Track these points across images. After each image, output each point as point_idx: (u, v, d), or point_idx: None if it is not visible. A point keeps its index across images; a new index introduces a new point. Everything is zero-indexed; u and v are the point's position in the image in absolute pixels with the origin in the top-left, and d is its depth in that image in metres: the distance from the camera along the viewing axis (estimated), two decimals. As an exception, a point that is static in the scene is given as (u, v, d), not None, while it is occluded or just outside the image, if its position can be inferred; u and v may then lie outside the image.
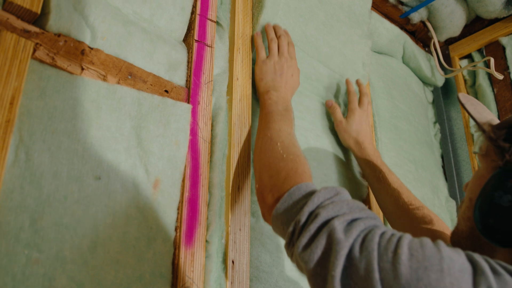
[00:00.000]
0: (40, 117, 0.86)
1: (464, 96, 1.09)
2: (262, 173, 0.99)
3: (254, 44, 1.31)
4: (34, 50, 0.87)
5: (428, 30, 2.05)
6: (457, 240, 0.94)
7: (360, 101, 1.48)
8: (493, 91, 1.94)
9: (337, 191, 0.86)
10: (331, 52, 1.53)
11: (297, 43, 1.43)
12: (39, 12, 0.88)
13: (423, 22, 2.05)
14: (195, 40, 1.16)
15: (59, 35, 0.91)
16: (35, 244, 0.80)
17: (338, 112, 1.46)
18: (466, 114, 1.98)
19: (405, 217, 1.27)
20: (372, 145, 1.42)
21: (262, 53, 1.29)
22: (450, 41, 2.14)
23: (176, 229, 0.98)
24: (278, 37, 1.31)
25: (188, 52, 1.15)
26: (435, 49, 2.05)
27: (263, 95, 1.22)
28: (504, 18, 1.96)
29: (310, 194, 0.86)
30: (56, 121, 0.87)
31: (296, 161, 0.97)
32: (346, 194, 0.87)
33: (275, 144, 1.02)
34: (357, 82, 1.55)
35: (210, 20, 1.22)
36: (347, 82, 1.52)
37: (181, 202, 1.00)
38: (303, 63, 1.44)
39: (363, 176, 1.46)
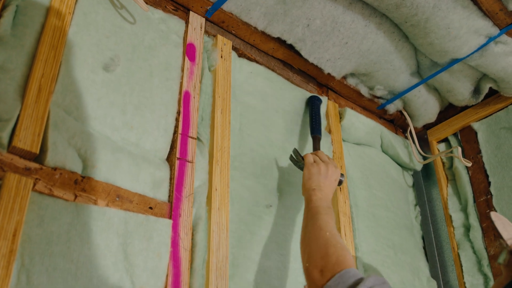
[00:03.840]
0: (39, 243, 1.01)
1: (495, 215, 1.33)
2: (313, 255, 1.17)
3: (303, 156, 1.53)
4: (34, 184, 1.04)
5: (405, 118, 2.20)
6: None
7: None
8: (468, 173, 2.08)
9: (384, 281, 1.03)
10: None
11: (265, 147, 1.63)
12: (38, 152, 1.06)
13: (400, 111, 2.21)
14: (177, 158, 1.33)
15: (55, 169, 1.08)
16: None
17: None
18: (445, 196, 2.11)
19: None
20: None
21: (310, 158, 1.49)
22: (428, 126, 2.29)
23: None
24: (317, 153, 1.54)
25: (171, 169, 1.31)
26: (412, 137, 2.20)
27: (309, 191, 1.39)
28: (474, 105, 2.11)
29: (360, 279, 1.04)
30: (53, 245, 1.03)
31: (344, 249, 1.15)
32: (390, 285, 1.04)
33: (325, 233, 1.21)
34: None
35: (191, 137, 1.39)
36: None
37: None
38: (276, 164, 1.64)
39: None
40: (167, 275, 1.17)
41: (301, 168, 1.53)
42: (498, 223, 1.25)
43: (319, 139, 1.70)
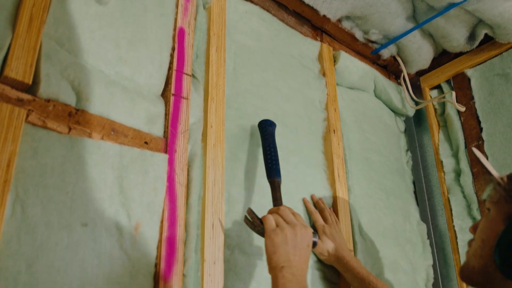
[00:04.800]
0: (33, 175, 0.99)
1: (477, 151, 1.31)
2: None
3: (262, 219, 1.23)
4: (27, 116, 1.01)
5: (399, 64, 2.19)
6: (468, 275, 1.12)
7: (323, 217, 1.53)
8: (460, 119, 2.08)
9: None
10: (292, 92, 1.70)
11: (259, 87, 1.59)
12: (30, 82, 1.03)
13: (393, 57, 2.20)
14: (172, 94, 1.30)
15: (48, 100, 1.05)
16: (31, 285, 0.93)
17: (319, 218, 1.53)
18: (437, 141, 2.11)
19: None
20: (352, 256, 1.46)
21: (271, 222, 1.20)
22: (421, 73, 2.28)
23: (156, 265, 1.11)
24: (278, 211, 1.24)
25: (166, 105, 1.29)
26: (405, 83, 2.19)
27: (275, 271, 1.12)
28: (468, 51, 2.09)
29: None
30: (47, 177, 1.01)
31: None
32: None
33: None
34: (312, 199, 1.60)
35: (186, 74, 1.36)
36: (304, 202, 1.57)
37: (160, 241, 1.14)
38: (270, 103, 1.59)
39: None
40: (163, 210, 1.17)
41: (261, 234, 1.22)
42: (482, 158, 1.26)
43: (279, 185, 1.36)
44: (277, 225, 1.19)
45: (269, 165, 1.38)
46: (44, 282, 0.95)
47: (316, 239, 1.28)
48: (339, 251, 1.45)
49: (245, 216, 1.25)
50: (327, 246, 1.45)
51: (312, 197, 1.59)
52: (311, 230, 1.22)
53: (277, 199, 1.32)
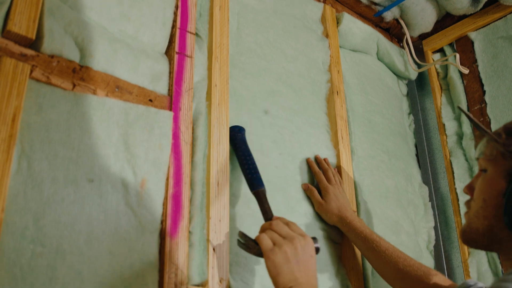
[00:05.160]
0: (38, 130, 0.99)
1: (462, 108, 1.27)
2: None
3: (256, 240, 1.14)
4: (31, 71, 1.00)
5: (402, 27, 2.17)
6: (472, 238, 1.10)
7: (327, 178, 1.52)
8: (463, 83, 2.07)
9: None
10: (295, 53, 1.68)
11: (263, 47, 1.57)
12: (33, 37, 1.01)
13: (396, 20, 2.17)
14: (176, 52, 1.29)
15: (52, 56, 1.04)
16: (39, 240, 0.93)
17: (316, 194, 1.49)
18: (439, 105, 2.11)
19: (408, 278, 1.35)
20: (355, 216, 1.46)
21: (267, 242, 1.10)
22: (424, 36, 2.26)
23: (162, 222, 1.12)
24: (271, 227, 1.15)
25: (170, 64, 1.28)
26: (408, 45, 2.17)
27: None
28: (472, 14, 2.08)
29: None
30: (52, 133, 1.01)
31: None
32: None
33: None
34: (317, 159, 1.58)
35: (190, 32, 1.35)
36: (308, 162, 1.56)
37: (166, 198, 1.14)
38: (274, 64, 1.58)
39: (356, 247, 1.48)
40: (168, 167, 1.16)
41: (259, 255, 1.13)
42: (471, 115, 1.24)
43: (265, 194, 1.27)
44: (274, 243, 1.10)
45: (249, 176, 1.28)
46: (51, 236, 0.95)
47: (318, 245, 1.17)
48: (342, 211, 1.45)
49: (238, 240, 1.18)
50: (330, 206, 1.46)
51: (316, 157, 1.58)
52: (310, 238, 1.14)
53: (266, 212, 1.22)
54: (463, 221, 1.82)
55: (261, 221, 1.28)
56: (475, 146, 1.21)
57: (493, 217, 1.05)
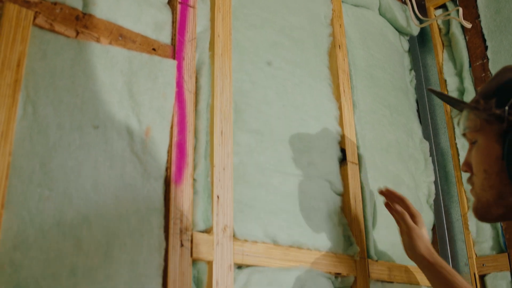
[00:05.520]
0: (43, 76, 0.99)
1: (432, 88, 1.26)
2: None
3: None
4: (34, 18, 1.00)
5: (404, -18, 2.15)
6: (486, 212, 1.09)
7: (416, 222, 1.42)
8: (465, 38, 2.06)
9: None
10: (298, 6, 1.69)
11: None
12: (36, -16, 1.01)
13: (399, -26, 2.16)
14: (179, 2, 1.28)
15: (55, 3, 1.04)
16: (46, 184, 0.94)
17: (408, 217, 1.42)
18: (441, 61, 2.10)
19: None
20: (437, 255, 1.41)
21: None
22: (426, -9, 2.25)
23: (166, 170, 1.13)
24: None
25: (173, 13, 1.27)
26: (410, 1, 2.15)
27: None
28: (475, -33, 2.06)
29: None
30: (57, 79, 1.01)
31: None
32: None
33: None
34: (393, 194, 1.48)
35: (192, -18, 1.34)
36: (387, 206, 1.49)
37: (170, 146, 1.15)
38: (277, 16, 1.58)
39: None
40: (172, 116, 1.17)
41: None
42: (444, 95, 1.25)
43: None
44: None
45: None
46: (58, 181, 0.96)
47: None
48: (431, 254, 1.37)
49: None
50: (422, 231, 1.40)
51: (392, 193, 1.48)
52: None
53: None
54: (464, 176, 1.85)
55: (266, 171, 1.29)
56: (458, 123, 1.19)
57: (499, 183, 1.04)
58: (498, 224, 1.80)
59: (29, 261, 0.89)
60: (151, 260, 1.05)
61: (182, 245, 1.09)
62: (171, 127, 1.16)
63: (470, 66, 2.01)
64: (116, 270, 0.99)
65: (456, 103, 1.14)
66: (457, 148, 1.94)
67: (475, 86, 1.96)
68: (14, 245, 0.88)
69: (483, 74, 1.95)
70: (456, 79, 2.05)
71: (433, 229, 1.92)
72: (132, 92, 1.12)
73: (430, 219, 1.91)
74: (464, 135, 1.14)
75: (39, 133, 0.96)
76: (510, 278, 1.71)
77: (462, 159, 1.92)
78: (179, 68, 1.22)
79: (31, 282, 0.89)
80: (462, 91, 2.01)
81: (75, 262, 0.94)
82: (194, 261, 1.13)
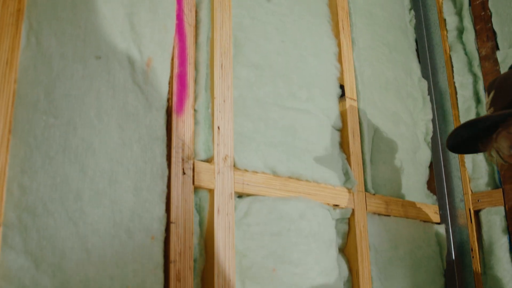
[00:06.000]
0: (45, 7, 1.00)
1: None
2: None
3: None
4: (34, -52, 1.01)
5: None
6: None
7: None
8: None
9: None
10: None
11: None
12: None
13: None
14: None
15: None
16: (51, 112, 0.97)
17: None
18: (440, 0, 2.10)
19: None
20: None
21: None
22: None
23: (168, 100, 1.15)
24: None
25: None
26: None
27: None
28: None
29: None
30: (59, 10, 1.02)
31: None
32: None
33: None
34: None
35: None
36: None
37: (171, 77, 1.17)
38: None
39: None
40: (173, 48, 1.18)
41: None
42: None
43: None
44: None
45: None
46: (63, 110, 0.98)
47: None
48: None
49: None
50: None
51: None
52: None
53: None
54: (461, 114, 1.87)
55: (265, 104, 1.32)
56: (490, 153, 1.22)
57: None
58: (495, 169, 1.83)
59: (36, 185, 0.93)
60: (154, 187, 1.08)
61: (184, 173, 1.12)
62: (172, 59, 1.18)
63: (470, 4, 2.01)
64: (120, 195, 1.03)
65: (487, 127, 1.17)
66: (455, 87, 1.96)
67: (474, 25, 1.96)
68: (21, 169, 0.92)
69: (483, 13, 1.95)
70: (455, 18, 2.05)
71: (430, 166, 1.96)
72: (133, 24, 1.13)
73: (428, 156, 1.94)
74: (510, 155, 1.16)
75: (43, 63, 0.98)
76: (504, 213, 1.76)
77: (460, 98, 1.94)
78: (179, 1, 1.23)
79: (39, 205, 0.92)
80: (461, 30, 2.01)
81: (81, 187, 0.98)
82: (196, 189, 1.16)
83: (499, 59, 1.85)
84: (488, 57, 1.89)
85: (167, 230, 1.08)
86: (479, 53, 1.92)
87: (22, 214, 0.90)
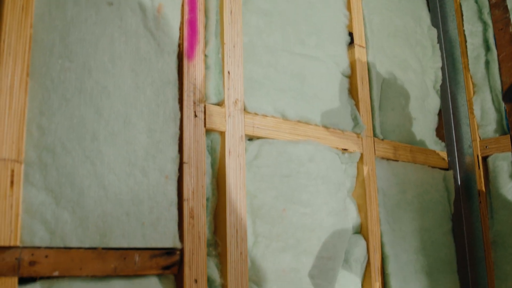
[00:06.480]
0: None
1: None
2: None
3: None
4: None
5: None
6: None
7: None
8: None
9: None
10: None
11: None
12: None
13: None
14: None
15: None
16: (66, 56, 1.01)
17: None
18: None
19: None
20: None
21: None
22: None
23: (179, 46, 1.18)
24: None
25: None
26: None
27: None
28: None
29: None
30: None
31: None
32: None
33: None
34: None
35: None
36: None
37: (182, 23, 1.20)
38: None
39: None
40: (183, -6, 1.21)
41: None
42: None
43: None
44: None
45: None
46: (78, 54, 1.02)
47: None
48: None
49: None
50: None
51: None
52: None
53: None
54: (471, 62, 1.87)
55: (274, 51, 1.34)
56: None
57: None
58: (502, 108, 1.85)
59: (54, 126, 0.97)
60: (167, 129, 1.12)
61: (196, 115, 1.16)
62: (182, 5, 1.21)
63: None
64: (134, 136, 1.07)
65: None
66: (465, 36, 1.96)
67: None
68: (40, 111, 0.96)
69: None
70: (465, -35, 2.04)
71: (439, 113, 1.98)
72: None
73: (437, 104, 1.96)
74: None
75: (57, 8, 1.01)
76: (511, 159, 1.78)
77: (470, 46, 1.95)
78: None
79: (58, 144, 0.97)
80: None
81: (97, 128, 1.02)
82: (208, 132, 1.20)
83: (509, 6, 1.85)
84: (498, 4, 1.88)
85: (180, 170, 1.13)
86: (489, 1, 1.91)
87: (42, 153, 0.95)
